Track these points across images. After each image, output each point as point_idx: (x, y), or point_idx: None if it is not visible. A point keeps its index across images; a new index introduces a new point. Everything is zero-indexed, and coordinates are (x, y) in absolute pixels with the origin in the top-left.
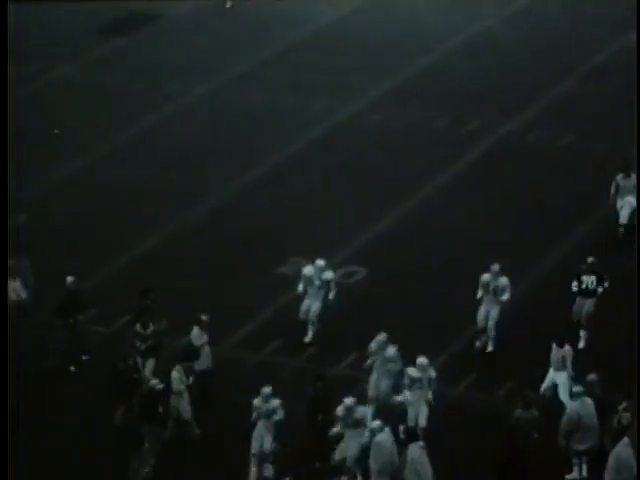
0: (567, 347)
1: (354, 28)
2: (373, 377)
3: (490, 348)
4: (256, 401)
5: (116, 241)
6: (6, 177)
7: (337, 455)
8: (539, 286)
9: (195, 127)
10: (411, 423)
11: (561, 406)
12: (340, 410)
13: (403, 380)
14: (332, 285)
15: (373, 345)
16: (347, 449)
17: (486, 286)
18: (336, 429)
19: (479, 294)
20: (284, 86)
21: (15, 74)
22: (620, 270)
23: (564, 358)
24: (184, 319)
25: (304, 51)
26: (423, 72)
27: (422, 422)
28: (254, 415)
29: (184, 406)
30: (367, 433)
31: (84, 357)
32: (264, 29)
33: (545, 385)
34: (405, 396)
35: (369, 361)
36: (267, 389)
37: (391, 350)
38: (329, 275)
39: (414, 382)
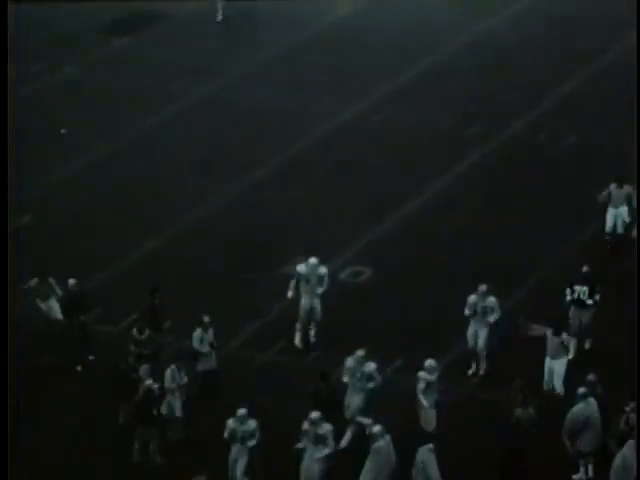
0: (564, 335)
1: (356, 28)
2: (348, 395)
3: (482, 372)
4: (230, 422)
5: (118, 241)
6: (6, 177)
7: (302, 476)
8: (542, 285)
9: (196, 127)
10: (424, 426)
11: (562, 403)
12: (305, 424)
13: (418, 384)
14: (325, 281)
15: (350, 360)
16: (309, 468)
17: (473, 307)
18: (300, 444)
19: (466, 312)
20: (286, 86)
21: (15, 74)
22: (620, 270)
23: (561, 346)
24: (187, 320)
25: (305, 51)
26: (426, 72)
27: (433, 425)
28: (226, 434)
29: (174, 404)
30: (327, 450)
31: (91, 357)
32: (265, 29)
33: (546, 378)
34: (421, 401)
35: (345, 378)
36: (242, 410)
37: (370, 366)
38: (324, 270)
39: (429, 385)
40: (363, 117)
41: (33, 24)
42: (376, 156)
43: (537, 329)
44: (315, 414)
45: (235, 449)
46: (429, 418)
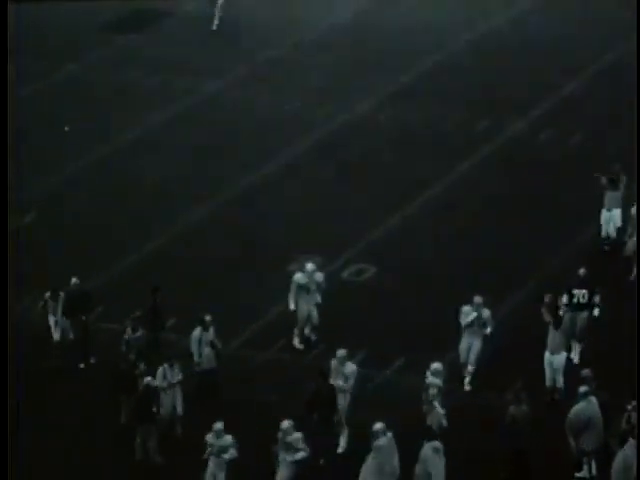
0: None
1: (356, 28)
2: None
3: (467, 387)
4: (208, 437)
5: (118, 241)
6: (6, 177)
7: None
8: (542, 286)
9: (196, 127)
10: (433, 427)
11: (563, 402)
12: (279, 432)
13: (429, 390)
14: (323, 287)
15: (333, 362)
16: (281, 473)
17: (471, 317)
18: (276, 447)
19: (462, 323)
20: (286, 87)
21: (15, 74)
22: (620, 270)
23: (561, 340)
24: (187, 320)
25: (309, 51)
26: (426, 72)
27: (443, 427)
28: (207, 452)
29: (167, 402)
30: (300, 455)
31: (92, 360)
32: (265, 30)
33: (548, 374)
34: (435, 407)
35: (331, 381)
36: (219, 424)
37: (350, 367)
38: (322, 277)
39: (440, 390)
40: (363, 117)
41: (33, 24)
42: (376, 156)
43: (547, 316)
44: (286, 423)
45: (213, 462)
46: (441, 422)
